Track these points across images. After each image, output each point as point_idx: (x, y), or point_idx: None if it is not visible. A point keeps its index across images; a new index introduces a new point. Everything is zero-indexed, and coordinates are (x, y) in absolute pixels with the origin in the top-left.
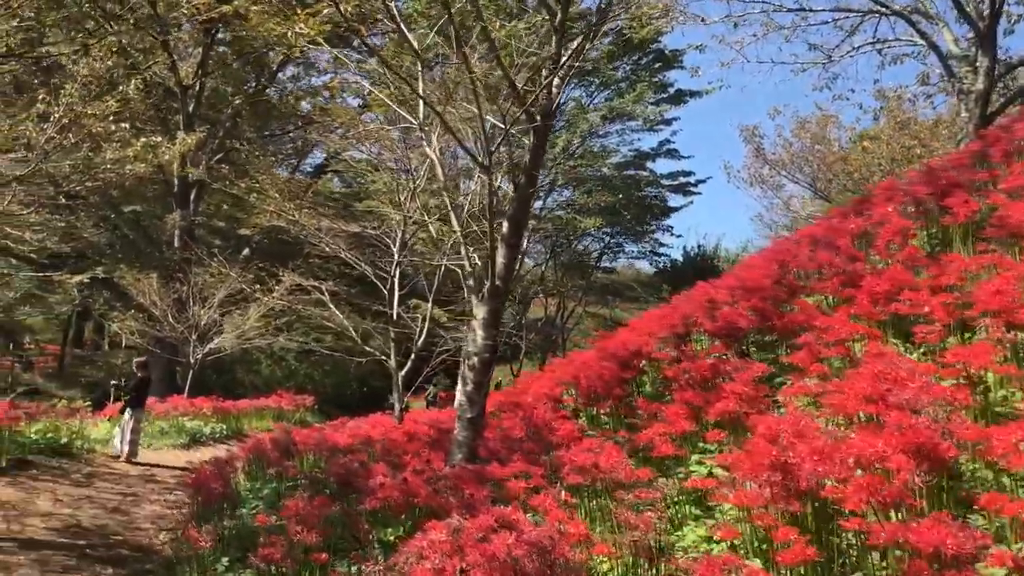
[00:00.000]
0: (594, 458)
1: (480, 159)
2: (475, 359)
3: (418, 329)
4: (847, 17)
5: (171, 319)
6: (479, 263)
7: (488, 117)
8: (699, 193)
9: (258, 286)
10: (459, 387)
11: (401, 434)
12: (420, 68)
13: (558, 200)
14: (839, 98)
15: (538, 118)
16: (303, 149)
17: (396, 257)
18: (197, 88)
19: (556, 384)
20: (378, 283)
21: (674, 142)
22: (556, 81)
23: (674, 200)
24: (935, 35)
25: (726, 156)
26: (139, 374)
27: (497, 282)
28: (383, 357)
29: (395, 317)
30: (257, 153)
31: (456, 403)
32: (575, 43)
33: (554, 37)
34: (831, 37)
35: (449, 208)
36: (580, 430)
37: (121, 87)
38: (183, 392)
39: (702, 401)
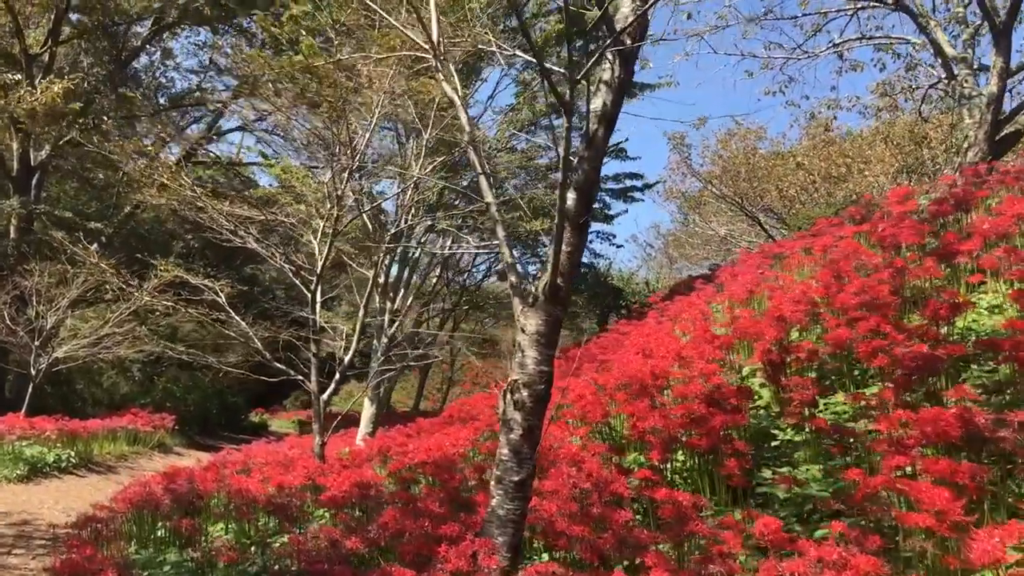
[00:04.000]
0: None
1: (561, 91)
2: (524, 392)
3: (343, 345)
4: (814, 14)
5: (7, 321)
6: (514, 257)
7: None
8: (642, 200)
9: (111, 285)
10: (501, 436)
11: (348, 484)
12: None
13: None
14: (791, 104)
15: (627, 41)
16: (176, 132)
17: (323, 254)
18: (47, 59)
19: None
20: (299, 284)
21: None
22: None
23: (616, 207)
24: (931, 33)
25: (646, 166)
26: None
27: (559, 279)
28: (299, 377)
29: (318, 326)
30: (119, 134)
31: (496, 459)
32: None
33: None
34: (794, 34)
35: (477, 169)
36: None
37: None
38: (17, 409)
39: (967, 478)
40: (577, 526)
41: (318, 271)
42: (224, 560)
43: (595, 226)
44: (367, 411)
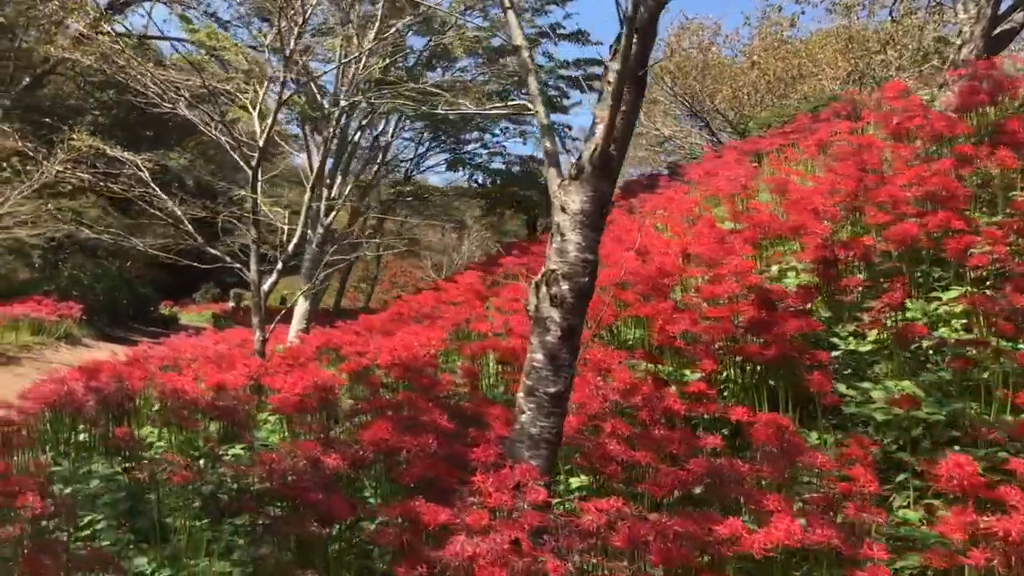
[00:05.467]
0: None
1: None
2: (564, 285)
3: (283, 230)
4: None
5: None
6: (549, 117)
7: None
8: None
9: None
10: (533, 338)
11: (302, 386)
12: None
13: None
14: None
15: None
16: None
17: (266, 124)
18: None
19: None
20: (237, 158)
21: (565, 27)
22: None
23: (574, 96)
24: None
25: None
26: None
27: (612, 147)
28: (237, 266)
29: (259, 208)
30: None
31: (526, 366)
32: None
33: None
34: None
35: (506, 3)
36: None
37: None
38: None
39: None
40: (639, 452)
41: (260, 143)
42: (179, 480)
43: (552, 116)
44: (301, 306)
